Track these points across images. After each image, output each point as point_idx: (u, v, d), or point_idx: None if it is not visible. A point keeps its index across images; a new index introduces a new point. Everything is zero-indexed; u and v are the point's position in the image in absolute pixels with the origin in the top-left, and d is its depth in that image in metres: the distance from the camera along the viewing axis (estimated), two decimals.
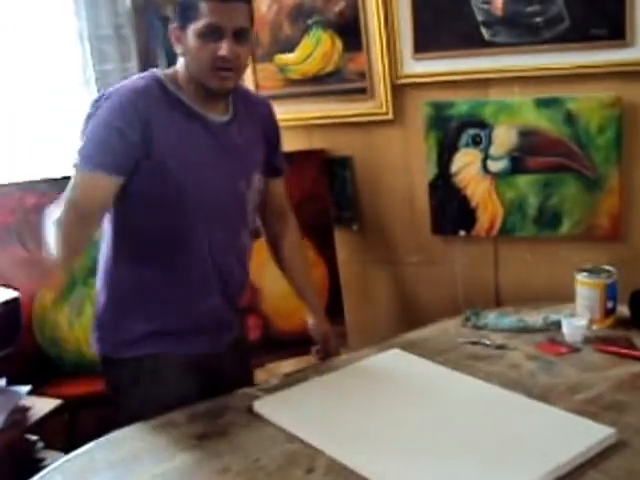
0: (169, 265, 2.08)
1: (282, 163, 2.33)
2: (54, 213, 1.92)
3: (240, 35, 1.95)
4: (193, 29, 1.94)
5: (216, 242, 2.09)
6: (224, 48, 1.93)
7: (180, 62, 2.04)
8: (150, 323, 2.08)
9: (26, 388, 2.55)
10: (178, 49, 2.03)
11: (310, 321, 2.39)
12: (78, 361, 3.02)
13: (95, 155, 1.92)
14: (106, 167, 1.91)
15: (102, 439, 1.88)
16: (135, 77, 2.08)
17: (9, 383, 2.61)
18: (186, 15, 1.96)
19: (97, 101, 2.00)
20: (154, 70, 2.10)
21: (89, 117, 1.98)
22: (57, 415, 2.61)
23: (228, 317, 2.20)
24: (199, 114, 2.04)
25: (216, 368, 2.15)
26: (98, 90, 3.37)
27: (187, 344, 2.09)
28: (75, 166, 1.94)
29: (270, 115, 2.28)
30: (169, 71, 2.08)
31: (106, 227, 2.11)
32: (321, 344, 2.37)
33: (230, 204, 2.11)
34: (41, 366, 2.96)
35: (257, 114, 2.21)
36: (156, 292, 2.08)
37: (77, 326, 3.02)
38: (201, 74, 1.98)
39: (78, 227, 1.93)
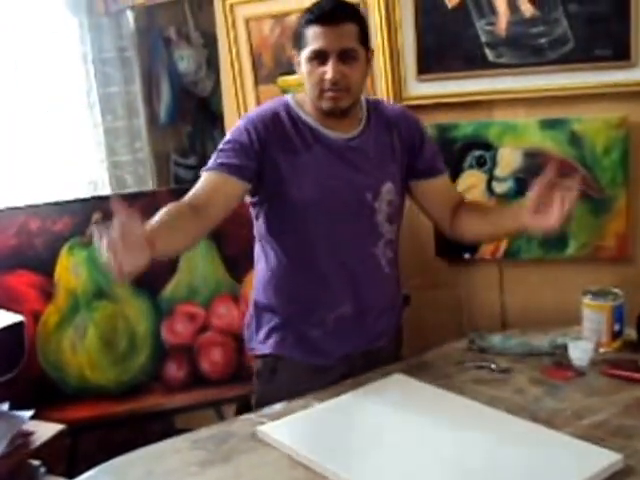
0: (300, 276, 2.23)
1: (436, 163, 2.36)
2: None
3: (346, 55, 2.07)
4: (304, 55, 2.11)
5: (343, 254, 2.21)
6: (329, 71, 2.06)
7: None
8: (280, 327, 2.26)
9: (29, 413, 2.54)
10: (299, 74, 2.18)
11: (525, 219, 2.08)
12: (81, 385, 3.02)
13: (217, 159, 2.14)
14: (225, 168, 2.11)
15: (105, 465, 1.86)
16: (266, 103, 2.30)
17: (11, 406, 2.59)
18: (298, 42, 2.13)
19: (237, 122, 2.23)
20: (286, 95, 2.30)
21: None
22: (59, 439, 2.59)
23: (364, 327, 2.27)
24: (322, 133, 2.18)
25: (342, 373, 2.23)
26: (102, 113, 3.38)
27: (312, 352, 2.23)
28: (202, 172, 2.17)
29: (410, 126, 2.32)
30: (299, 95, 2.25)
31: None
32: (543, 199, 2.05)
33: (356, 215, 2.21)
34: (43, 389, 2.96)
35: (394, 128, 2.29)
36: (288, 298, 2.25)
37: (80, 349, 3.02)
38: (314, 97, 2.14)
39: (183, 214, 2.03)
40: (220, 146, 2.17)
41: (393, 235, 2.30)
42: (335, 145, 2.19)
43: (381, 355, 2.32)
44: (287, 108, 2.20)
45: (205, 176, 2.13)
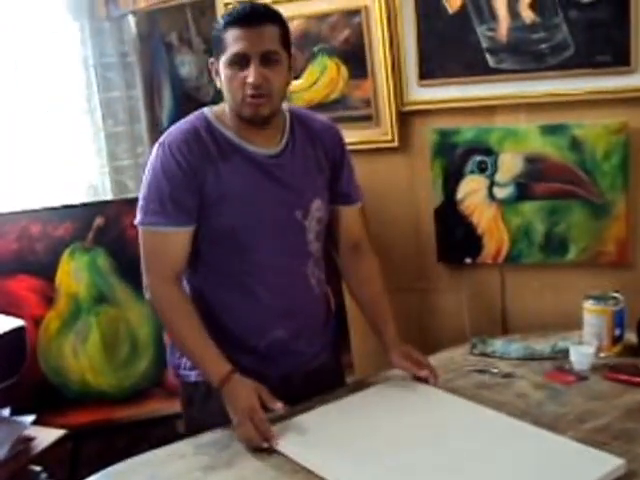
0: (228, 300, 2.11)
1: (352, 190, 2.28)
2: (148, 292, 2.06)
3: (269, 58, 1.95)
4: (223, 61, 1.97)
5: (275, 275, 2.11)
6: (250, 74, 1.93)
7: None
8: None
9: (30, 418, 2.54)
10: (217, 83, 2.05)
11: (389, 358, 2.22)
12: (82, 390, 3.02)
13: (157, 210, 2.00)
14: (182, 219, 2.01)
15: (107, 471, 1.86)
16: (185, 119, 2.10)
17: (13, 411, 2.59)
18: (216, 48, 2.00)
19: (154, 151, 2.06)
20: (204, 109, 2.12)
21: (148, 169, 2.06)
22: (60, 445, 2.59)
23: (298, 349, 2.18)
24: (245, 150, 2.05)
25: (282, 395, 2.05)
26: (103, 118, 3.38)
27: (248, 376, 2.02)
28: (139, 224, 2.04)
29: (333, 139, 2.23)
30: (218, 108, 2.11)
31: None
32: (409, 371, 2.18)
33: (287, 235, 2.11)
34: (45, 394, 2.96)
35: (318, 139, 2.18)
36: (217, 325, 2.10)
37: (82, 354, 3.02)
38: (235, 104, 2.00)
39: (181, 306, 2.04)
40: (156, 185, 2.02)
41: (320, 253, 2.21)
42: (259, 162, 2.06)
43: (322, 374, 2.24)
44: (206, 123, 2.05)
45: (167, 235, 2.02)
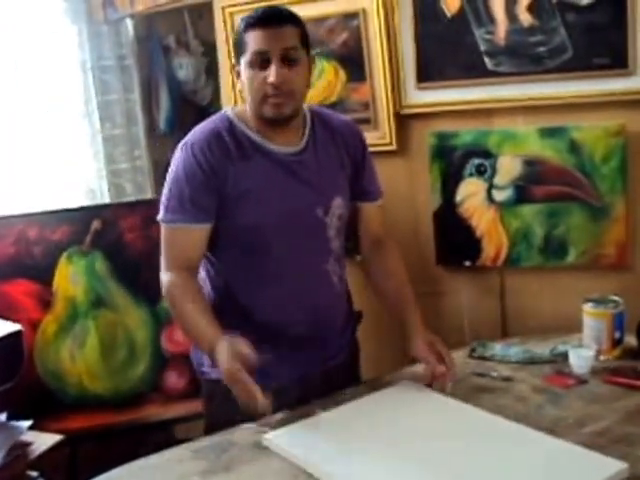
0: (249, 299, 2.14)
1: (373, 187, 2.33)
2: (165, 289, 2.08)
3: (288, 58, 1.99)
4: (244, 62, 2.01)
5: (296, 272, 2.14)
6: (271, 74, 1.97)
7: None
8: None
9: (27, 423, 2.53)
10: (239, 86, 2.10)
11: (410, 347, 2.21)
12: (79, 394, 3.01)
13: (176, 208, 2.06)
14: (201, 216, 2.06)
15: (104, 476, 1.84)
16: (207, 120, 2.14)
17: (9, 416, 2.58)
18: (238, 50, 2.04)
19: (177, 150, 2.11)
20: (226, 109, 2.19)
21: (171, 168, 2.12)
22: (58, 450, 2.58)
23: (317, 348, 2.20)
24: (267, 148, 2.09)
25: (298, 395, 2.11)
26: (101, 121, 3.38)
27: (265, 375, 2.00)
28: (160, 221, 2.08)
29: (354, 137, 2.27)
30: (239, 108, 2.17)
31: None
32: (428, 363, 2.15)
33: (308, 232, 2.14)
34: (42, 399, 2.95)
35: (339, 137, 2.22)
36: (239, 325, 2.10)
37: (79, 359, 3.02)
38: (256, 104, 2.05)
39: (190, 288, 2.06)
40: (177, 184, 2.07)
41: (341, 250, 2.25)
42: (281, 160, 2.10)
43: (339, 374, 2.26)
44: (228, 124, 2.10)
45: (184, 231, 2.07)
